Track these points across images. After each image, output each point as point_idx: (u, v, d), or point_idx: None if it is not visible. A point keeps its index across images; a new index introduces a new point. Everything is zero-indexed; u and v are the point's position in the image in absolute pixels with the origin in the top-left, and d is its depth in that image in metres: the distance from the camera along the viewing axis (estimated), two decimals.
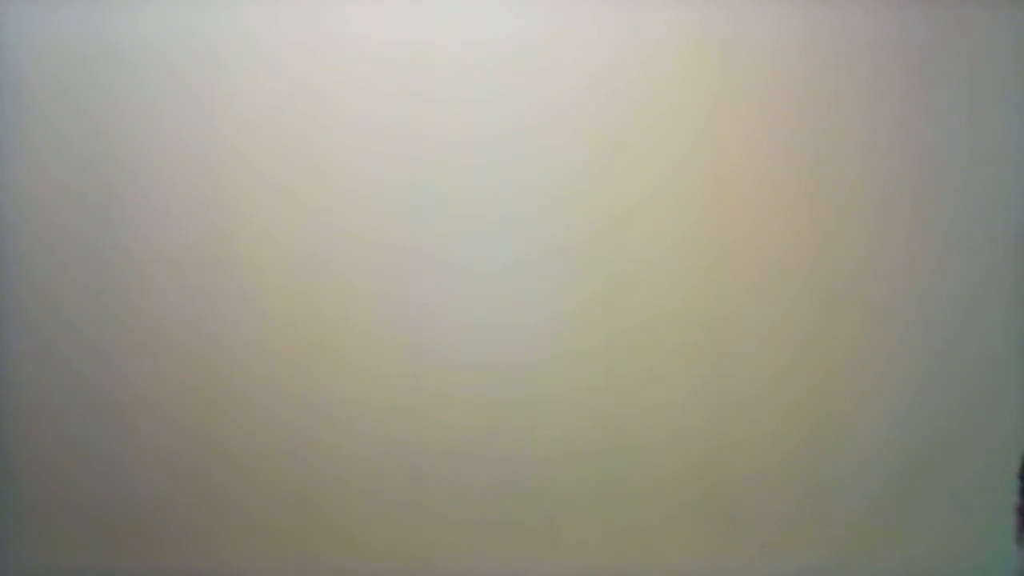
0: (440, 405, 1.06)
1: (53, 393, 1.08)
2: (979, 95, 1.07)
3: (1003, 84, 1.07)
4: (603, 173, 1.08)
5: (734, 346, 1.06)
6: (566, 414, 1.06)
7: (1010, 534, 0.96)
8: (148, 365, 1.08)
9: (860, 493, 1.05)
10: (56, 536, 1.07)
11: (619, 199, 1.08)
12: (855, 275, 1.07)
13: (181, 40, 1.10)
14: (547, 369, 1.07)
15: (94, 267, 1.09)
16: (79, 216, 1.09)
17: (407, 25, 1.10)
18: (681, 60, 1.09)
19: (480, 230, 1.09)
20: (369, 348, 1.07)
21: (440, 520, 1.05)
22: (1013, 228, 1.06)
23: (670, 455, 1.04)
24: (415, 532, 1.03)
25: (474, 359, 1.07)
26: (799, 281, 1.07)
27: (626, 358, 1.06)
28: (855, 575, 1.05)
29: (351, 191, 1.09)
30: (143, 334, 1.08)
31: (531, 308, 1.08)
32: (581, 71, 1.09)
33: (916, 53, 1.08)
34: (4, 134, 1.10)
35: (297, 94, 1.09)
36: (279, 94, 1.09)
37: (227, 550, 1.03)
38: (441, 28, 1.10)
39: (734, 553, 1.04)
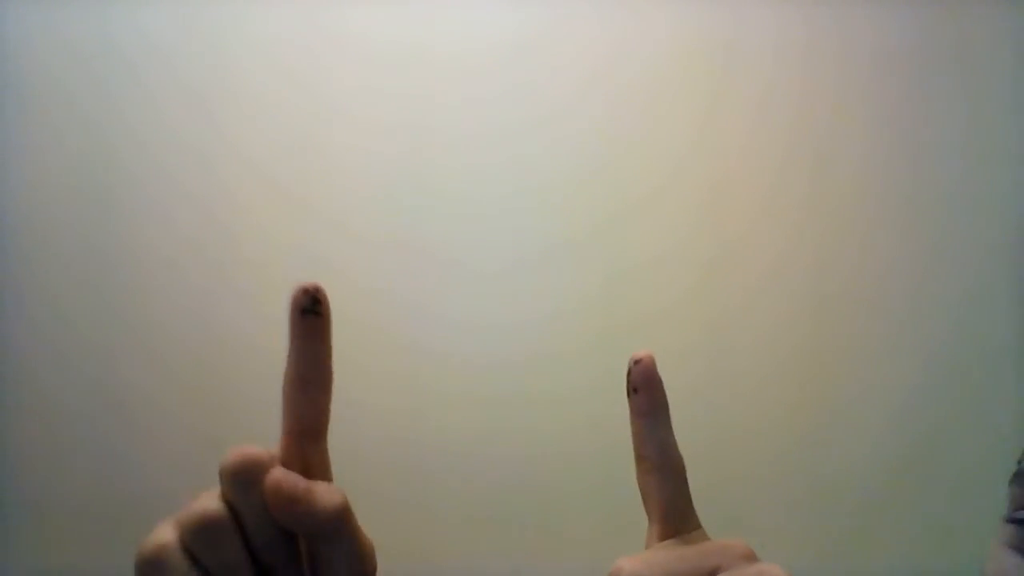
0: (440, 404, 1.07)
1: (53, 393, 1.08)
2: (979, 95, 1.07)
3: (1003, 84, 1.07)
4: (602, 172, 1.09)
5: (733, 345, 1.07)
6: (566, 413, 1.06)
7: None
8: (150, 363, 1.08)
9: (860, 493, 1.05)
10: (56, 536, 1.07)
11: (618, 198, 1.08)
12: (854, 274, 1.07)
13: (181, 40, 1.10)
14: (547, 368, 1.07)
15: (94, 267, 1.09)
16: (79, 216, 1.10)
17: (407, 25, 1.10)
18: (680, 60, 1.09)
19: (480, 229, 1.09)
20: (369, 348, 1.07)
21: (440, 520, 1.05)
22: (1013, 228, 1.06)
23: None
24: (415, 532, 1.03)
25: (474, 358, 1.07)
26: (798, 280, 1.07)
27: (626, 357, 1.06)
28: (855, 575, 1.05)
29: (351, 191, 1.09)
30: (143, 334, 1.08)
31: (531, 307, 1.08)
32: (580, 71, 1.09)
33: (916, 53, 1.08)
34: (4, 134, 1.10)
35: (297, 94, 1.10)
36: (279, 94, 1.10)
37: None
38: (441, 28, 1.10)
39: None
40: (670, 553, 0.35)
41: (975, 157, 1.07)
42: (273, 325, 1.14)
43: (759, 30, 1.08)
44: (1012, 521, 0.49)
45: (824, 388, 1.06)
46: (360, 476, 1.08)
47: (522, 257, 1.08)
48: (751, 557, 0.33)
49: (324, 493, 0.34)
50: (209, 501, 0.34)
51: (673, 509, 0.37)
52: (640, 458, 0.38)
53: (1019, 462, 0.54)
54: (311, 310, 0.37)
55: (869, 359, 1.06)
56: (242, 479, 0.33)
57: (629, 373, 0.37)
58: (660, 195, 1.08)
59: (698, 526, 0.37)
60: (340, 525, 0.34)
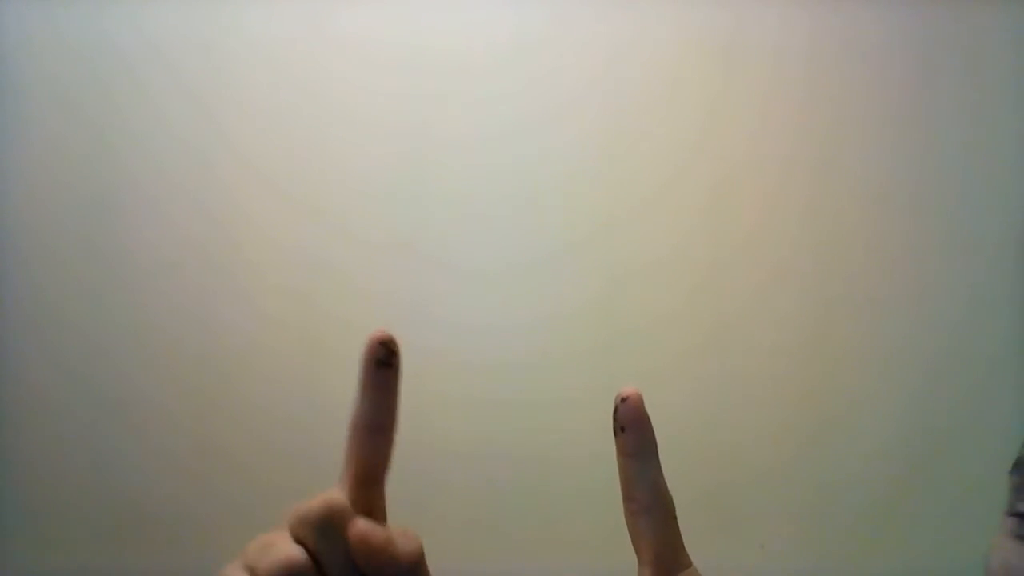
0: (440, 406, 1.06)
1: (53, 393, 1.08)
2: (980, 95, 1.07)
3: (1008, 83, 1.07)
4: (604, 173, 1.08)
5: (734, 346, 1.06)
6: (566, 415, 1.06)
7: None
8: (148, 365, 1.08)
9: (860, 493, 1.05)
10: (56, 536, 1.07)
11: (620, 200, 1.08)
12: (856, 276, 1.07)
13: (181, 40, 1.10)
14: (547, 370, 1.07)
15: (94, 267, 1.09)
16: (79, 216, 1.09)
17: (407, 25, 1.10)
18: (682, 60, 1.09)
19: (480, 230, 1.09)
20: None
21: (440, 520, 1.05)
22: (1013, 228, 1.06)
23: (670, 455, 1.03)
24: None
25: (474, 359, 1.07)
26: (800, 281, 1.07)
27: (626, 359, 1.06)
28: (855, 575, 1.05)
29: (351, 191, 1.09)
30: (143, 334, 1.08)
31: (531, 308, 1.08)
32: (581, 71, 1.09)
33: (917, 53, 1.08)
34: (3, 134, 1.10)
35: (297, 94, 1.09)
36: (279, 94, 1.09)
37: (227, 550, 1.02)
38: (441, 28, 1.10)
39: (734, 553, 1.04)
40: None
41: (980, 157, 1.07)
42: (272, 325, 1.14)
43: (761, 30, 1.08)
44: (1015, 514, 0.49)
45: (828, 390, 1.06)
46: None
47: (523, 259, 1.08)
48: None
49: (404, 542, 0.35)
50: (289, 548, 0.34)
51: (665, 550, 0.37)
52: (629, 499, 0.37)
53: (1018, 460, 0.54)
54: (387, 363, 0.37)
55: (873, 362, 1.06)
56: (327, 528, 0.34)
57: (616, 411, 0.37)
58: (662, 197, 1.08)
59: (689, 564, 0.37)
60: (417, 570, 0.36)
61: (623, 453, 0.37)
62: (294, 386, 1.06)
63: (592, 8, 1.09)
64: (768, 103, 1.08)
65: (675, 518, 0.37)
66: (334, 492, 0.36)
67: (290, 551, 0.34)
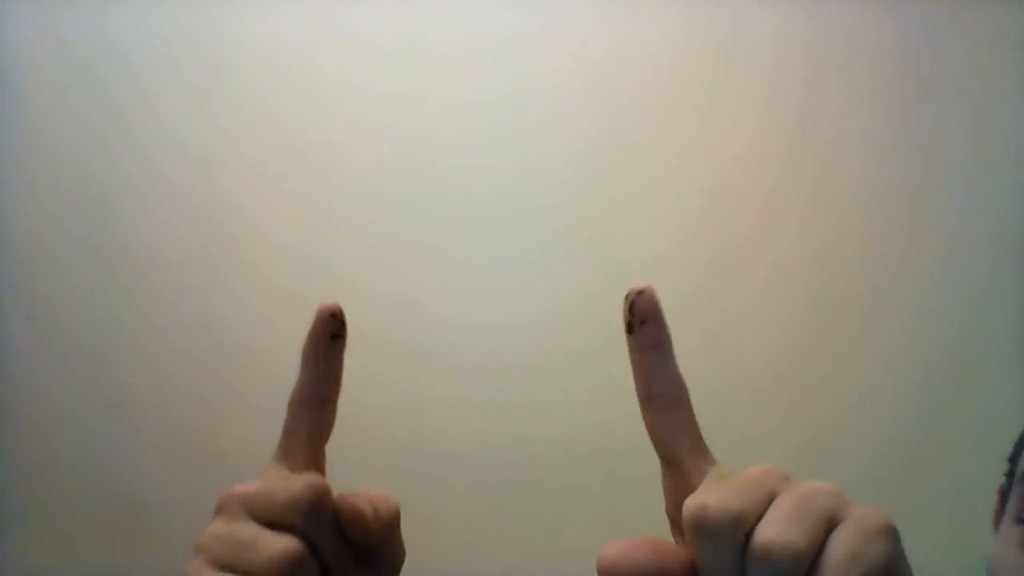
0: (440, 406, 1.07)
1: (53, 393, 1.08)
2: (980, 95, 1.07)
3: (1008, 84, 1.07)
4: (603, 173, 1.08)
5: (734, 346, 1.06)
6: (566, 415, 1.06)
7: None
8: (148, 365, 1.08)
9: (860, 493, 1.05)
10: (56, 536, 1.07)
11: (619, 200, 1.08)
12: (857, 277, 1.07)
13: (181, 40, 1.10)
14: (547, 370, 1.07)
15: (94, 267, 1.09)
16: (79, 216, 1.09)
17: (407, 25, 1.10)
18: (682, 61, 1.09)
19: (480, 230, 1.09)
20: (369, 348, 1.07)
21: (439, 521, 1.05)
22: (1013, 228, 1.06)
23: None
24: (414, 532, 1.03)
25: (474, 360, 1.07)
26: (800, 282, 1.07)
27: (626, 359, 1.06)
28: None
29: (351, 191, 1.09)
30: (143, 334, 1.08)
31: (531, 308, 1.08)
32: (581, 71, 1.09)
33: (917, 54, 1.08)
34: (4, 134, 1.10)
35: (297, 95, 1.09)
36: (279, 94, 1.09)
37: None
38: (441, 28, 1.10)
39: None
40: (729, 485, 0.33)
41: (979, 158, 1.07)
42: (272, 325, 1.14)
43: (761, 30, 1.08)
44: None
45: (826, 392, 1.06)
46: (360, 478, 1.08)
47: (522, 259, 1.08)
48: (789, 479, 0.33)
49: (383, 505, 0.36)
50: (281, 540, 0.33)
51: (697, 445, 0.36)
52: (651, 396, 0.36)
53: (1011, 459, 0.53)
54: (339, 334, 0.37)
55: (872, 363, 1.06)
56: (318, 511, 0.34)
57: (632, 306, 0.36)
58: (661, 197, 1.08)
59: (715, 461, 0.37)
60: (396, 526, 0.37)
61: (641, 348, 0.36)
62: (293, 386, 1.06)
63: (592, 8, 1.09)
64: (768, 103, 1.08)
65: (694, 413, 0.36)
66: (278, 469, 0.38)
67: (286, 543, 0.33)
